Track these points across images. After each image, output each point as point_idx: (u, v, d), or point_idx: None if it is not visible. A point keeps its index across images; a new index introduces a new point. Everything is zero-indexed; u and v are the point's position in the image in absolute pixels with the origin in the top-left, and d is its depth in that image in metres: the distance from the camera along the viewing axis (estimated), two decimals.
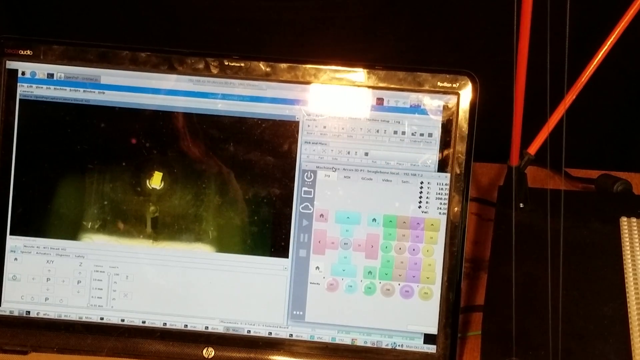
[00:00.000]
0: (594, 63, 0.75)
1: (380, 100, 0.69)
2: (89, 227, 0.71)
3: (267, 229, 0.70)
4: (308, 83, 0.69)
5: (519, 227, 0.76)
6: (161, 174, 0.71)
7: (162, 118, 0.70)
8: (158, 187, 0.71)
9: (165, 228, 0.71)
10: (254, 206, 0.70)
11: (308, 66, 0.69)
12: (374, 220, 0.70)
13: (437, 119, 0.69)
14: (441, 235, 0.70)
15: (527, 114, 0.73)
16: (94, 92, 0.70)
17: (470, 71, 0.68)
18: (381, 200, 0.70)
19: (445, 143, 0.69)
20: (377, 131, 0.69)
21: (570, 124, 0.77)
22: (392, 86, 0.69)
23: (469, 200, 0.70)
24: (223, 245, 0.71)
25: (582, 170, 0.92)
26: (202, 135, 0.70)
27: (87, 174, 0.71)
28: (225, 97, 0.69)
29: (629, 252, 0.75)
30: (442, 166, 0.69)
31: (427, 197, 0.70)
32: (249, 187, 0.70)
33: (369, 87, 0.69)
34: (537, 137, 0.76)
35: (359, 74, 0.69)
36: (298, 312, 0.70)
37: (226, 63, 0.69)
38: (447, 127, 0.69)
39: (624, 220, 0.79)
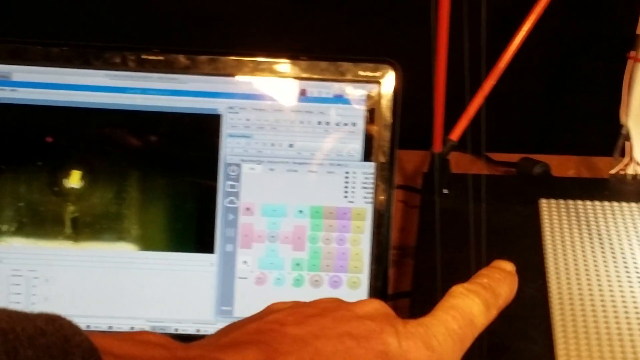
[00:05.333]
0: (512, 48, 0.76)
1: (303, 91, 0.68)
2: (5, 230, 0.69)
3: (192, 225, 0.69)
4: (229, 75, 0.68)
5: (444, 212, 0.77)
6: (80, 172, 0.69)
7: (78, 115, 0.68)
8: (77, 187, 0.69)
9: (86, 228, 0.69)
10: (177, 202, 0.69)
11: (229, 58, 0.68)
12: (301, 212, 0.69)
13: (361, 109, 0.69)
14: (368, 224, 0.70)
15: (449, 100, 0.74)
16: (5, 89, 0.68)
17: (392, 60, 0.68)
18: (307, 191, 0.69)
19: (369, 132, 0.69)
20: (301, 122, 0.69)
21: (491, 109, 0.78)
22: (315, 76, 0.68)
23: (395, 188, 0.71)
24: (147, 243, 0.69)
25: (503, 154, 0.94)
26: (122, 131, 0.68)
27: (0, 175, 0.68)
28: (144, 91, 0.68)
29: (548, 232, 0.76)
30: (367, 155, 0.69)
31: (353, 187, 0.69)
32: (171, 183, 0.69)
33: (292, 77, 0.68)
34: (459, 124, 0.77)
35: (282, 65, 0.68)
36: (226, 308, 0.70)
37: (144, 57, 0.68)
38: (371, 116, 0.68)
39: (543, 202, 0.80)
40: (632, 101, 0.78)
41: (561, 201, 0.80)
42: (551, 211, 0.79)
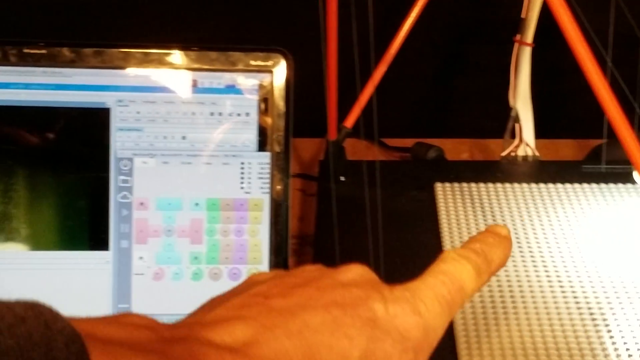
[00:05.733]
0: (402, 34, 0.76)
1: (194, 82, 0.67)
2: None
3: (84, 222, 0.67)
4: (117, 68, 0.66)
5: (341, 199, 0.78)
6: None
7: None
8: None
9: None
10: (68, 199, 0.67)
11: (115, 50, 0.66)
12: (197, 204, 0.68)
13: (253, 98, 0.68)
14: (265, 215, 0.69)
15: (342, 88, 0.74)
16: None
17: (284, 48, 0.68)
18: (202, 184, 0.68)
19: (263, 122, 0.68)
20: (193, 114, 0.68)
21: (384, 95, 0.78)
22: (206, 67, 0.67)
23: (292, 177, 0.70)
24: (38, 243, 0.67)
25: (398, 139, 0.95)
26: (6, 128, 0.66)
27: None
28: (27, 86, 0.66)
29: (444, 216, 0.77)
30: (262, 145, 0.69)
31: (249, 178, 0.69)
32: (61, 180, 0.67)
33: (182, 68, 0.67)
34: (352, 111, 0.77)
35: (171, 56, 0.67)
36: (124, 305, 0.68)
37: (26, 51, 0.65)
38: (264, 106, 0.68)
39: (438, 185, 0.81)
40: (520, 84, 0.80)
41: (456, 184, 0.82)
42: (446, 194, 0.80)
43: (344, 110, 0.79)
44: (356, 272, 0.35)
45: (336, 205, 0.75)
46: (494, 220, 0.77)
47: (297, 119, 0.69)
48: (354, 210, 0.75)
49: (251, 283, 0.35)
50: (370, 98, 0.75)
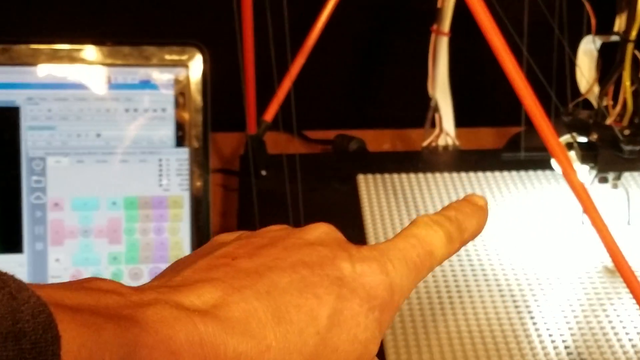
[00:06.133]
0: (319, 25, 0.76)
1: (108, 78, 0.66)
2: None
3: None
4: (26, 65, 0.64)
5: (263, 194, 0.77)
6: None
7: None
8: None
9: None
10: None
11: (25, 46, 0.64)
12: (114, 204, 0.67)
13: (169, 94, 0.67)
14: (186, 212, 0.68)
15: (261, 81, 0.73)
16: None
17: (199, 42, 0.66)
18: (119, 182, 0.67)
19: (180, 117, 0.67)
20: (108, 110, 0.66)
21: (303, 87, 0.78)
22: (119, 62, 0.65)
23: (212, 173, 0.69)
24: None
25: (319, 131, 0.94)
26: None
27: None
28: None
29: (367, 207, 0.77)
30: (180, 141, 0.67)
31: (168, 175, 0.67)
32: None
33: (95, 64, 0.65)
34: (272, 104, 0.76)
35: (83, 52, 0.65)
36: None
37: None
38: (181, 101, 0.67)
39: (360, 177, 0.81)
40: (438, 73, 0.80)
41: (378, 175, 0.82)
42: (368, 186, 0.80)
43: (263, 104, 0.78)
44: (322, 230, 0.35)
45: (258, 200, 0.74)
46: (417, 210, 0.77)
47: (216, 114, 0.67)
48: (276, 205, 0.74)
49: (216, 244, 0.35)
50: (289, 91, 0.74)
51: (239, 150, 0.90)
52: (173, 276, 0.31)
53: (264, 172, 0.80)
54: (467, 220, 0.37)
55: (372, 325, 0.32)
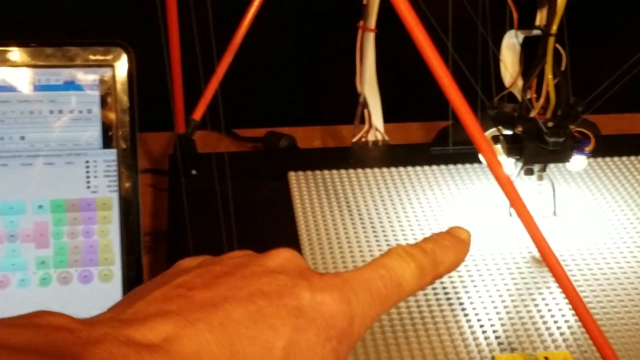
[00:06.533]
0: (245, 23, 0.75)
1: (31, 79, 0.64)
2: None
3: None
4: None
5: (193, 193, 0.76)
6: None
7: None
8: None
9: None
10: None
11: None
12: (41, 207, 0.66)
13: (95, 94, 0.66)
14: (115, 214, 0.67)
15: (189, 79, 0.72)
16: None
17: (123, 42, 0.66)
18: (46, 185, 0.65)
19: (106, 118, 0.66)
20: (32, 112, 0.65)
21: (232, 85, 0.78)
22: (42, 63, 0.64)
23: (141, 173, 0.68)
24: None
25: (249, 129, 0.94)
26: None
27: None
28: None
29: (299, 204, 0.77)
30: (107, 142, 0.66)
31: (95, 176, 0.66)
32: None
33: (18, 65, 0.64)
34: (200, 103, 0.76)
35: (5, 53, 0.64)
36: None
37: None
38: (107, 102, 0.66)
39: (291, 174, 0.81)
40: (366, 69, 0.80)
41: (309, 172, 0.82)
42: (300, 183, 0.80)
43: (193, 103, 0.78)
44: (284, 257, 0.34)
45: (189, 200, 0.73)
46: (348, 206, 0.77)
47: (144, 113, 0.67)
48: (207, 204, 0.73)
49: (176, 272, 0.34)
50: (217, 89, 0.74)
51: (168, 150, 0.90)
52: (126, 308, 0.30)
53: (194, 172, 0.79)
54: (444, 253, 0.37)
55: (329, 356, 0.32)
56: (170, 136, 0.91)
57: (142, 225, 0.68)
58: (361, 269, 0.35)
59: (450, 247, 0.38)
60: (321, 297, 0.32)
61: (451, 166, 0.82)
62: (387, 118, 0.85)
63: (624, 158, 0.84)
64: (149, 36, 0.70)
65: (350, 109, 0.85)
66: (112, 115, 0.66)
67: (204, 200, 0.74)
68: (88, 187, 0.66)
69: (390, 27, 0.78)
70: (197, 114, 0.76)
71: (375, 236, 0.74)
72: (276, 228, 0.75)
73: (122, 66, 0.65)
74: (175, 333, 0.29)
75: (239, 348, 0.30)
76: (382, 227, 0.75)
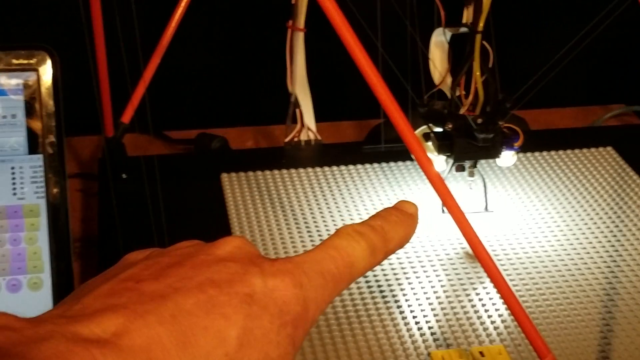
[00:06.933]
0: (173, 24, 0.75)
1: None
2: None
3: None
4: None
5: (124, 198, 0.75)
6: None
7: None
8: None
9: None
10: None
11: None
12: None
13: (19, 99, 0.64)
14: (43, 220, 0.66)
15: (117, 82, 0.71)
16: None
17: (48, 46, 0.64)
18: None
19: (32, 123, 0.64)
20: None
21: (162, 86, 0.77)
22: None
23: (70, 178, 0.67)
24: None
25: (181, 131, 0.93)
26: None
27: None
28: None
29: (232, 206, 0.77)
30: (33, 147, 0.65)
31: (22, 183, 0.65)
32: None
33: None
34: (128, 105, 0.75)
35: None
36: None
37: None
38: (31, 107, 0.64)
39: (224, 176, 0.80)
40: (296, 69, 0.80)
41: (242, 173, 0.81)
42: (233, 185, 0.80)
43: (122, 105, 0.77)
44: (234, 245, 0.34)
45: (119, 204, 0.72)
46: (282, 206, 0.77)
47: (72, 117, 0.65)
48: (138, 208, 0.72)
49: (124, 266, 0.33)
50: (146, 91, 0.73)
51: (97, 154, 0.88)
52: (73, 304, 0.30)
53: (124, 175, 0.78)
54: (394, 229, 0.36)
55: (284, 342, 0.31)
56: (99, 140, 0.89)
57: (72, 231, 0.67)
58: (312, 252, 0.34)
59: (399, 222, 0.37)
60: (273, 283, 0.32)
61: (384, 164, 0.83)
62: (319, 117, 0.85)
63: (553, 152, 0.85)
64: (75, 39, 0.68)
65: (282, 108, 0.85)
66: (37, 120, 0.64)
67: (135, 205, 0.73)
68: (14, 194, 0.65)
69: (319, 26, 0.78)
70: (126, 117, 0.75)
71: (310, 236, 0.74)
72: (210, 231, 0.74)
73: (46, 70, 0.64)
74: (124, 327, 0.28)
75: (191, 339, 0.29)
76: (316, 226, 0.75)
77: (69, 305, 0.30)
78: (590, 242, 0.72)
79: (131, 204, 0.74)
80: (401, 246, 0.37)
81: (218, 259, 0.33)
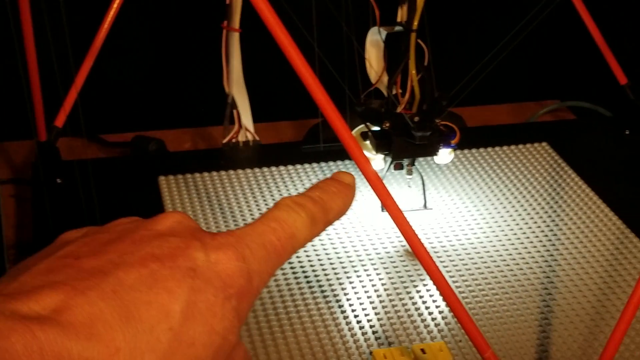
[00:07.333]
0: (106, 25, 0.73)
1: None
2: None
3: None
4: None
5: (59, 203, 0.74)
6: None
7: None
8: None
9: None
10: None
11: None
12: None
13: None
14: None
15: (50, 85, 0.70)
16: None
17: None
18: None
19: None
20: None
21: (97, 89, 0.75)
22: None
23: (3, 184, 0.66)
24: None
25: (117, 134, 0.91)
26: None
27: None
28: None
29: (170, 207, 0.76)
30: None
31: None
32: None
33: None
34: (61, 110, 0.73)
35: None
36: None
37: None
38: None
39: (162, 179, 0.79)
40: (233, 70, 0.80)
41: (180, 176, 0.80)
42: (171, 188, 0.79)
43: (56, 109, 0.75)
44: (175, 219, 0.33)
45: (54, 209, 0.71)
46: (221, 208, 0.76)
47: (4, 122, 0.64)
48: (74, 213, 0.71)
49: (61, 243, 0.32)
50: (79, 94, 0.71)
51: (31, 159, 0.86)
52: (10, 282, 0.29)
53: (59, 180, 0.76)
54: (332, 200, 0.37)
55: (229, 315, 0.31)
56: (32, 145, 0.87)
57: (6, 237, 0.66)
58: (253, 225, 0.34)
59: (337, 192, 0.37)
60: (215, 256, 0.32)
61: (323, 164, 0.83)
62: (257, 118, 0.85)
63: (489, 149, 0.86)
64: (4, 43, 0.67)
65: (219, 110, 0.84)
66: None
67: (70, 210, 0.72)
68: None
69: (255, 26, 0.78)
70: (59, 121, 0.73)
71: None
72: None
73: None
74: (64, 303, 0.28)
75: (134, 313, 0.29)
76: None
77: (4, 285, 0.29)
78: (528, 237, 0.73)
79: (66, 210, 0.73)
80: (340, 215, 0.38)
81: (159, 233, 0.32)
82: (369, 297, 0.66)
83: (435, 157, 0.69)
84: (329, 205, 0.36)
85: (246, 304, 0.32)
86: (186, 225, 0.33)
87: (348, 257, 0.70)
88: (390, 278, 0.68)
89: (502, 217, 0.76)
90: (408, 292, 0.67)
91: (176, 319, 0.30)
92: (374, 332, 0.62)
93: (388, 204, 0.54)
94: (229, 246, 0.32)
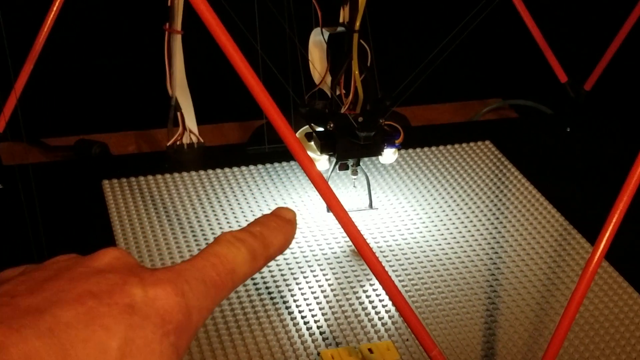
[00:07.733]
0: (45, 28, 0.72)
1: None
2: None
3: None
4: None
5: (1, 208, 0.73)
6: None
7: None
8: None
9: None
10: None
11: None
12: None
13: None
14: None
15: None
16: None
17: None
18: None
19: None
20: None
21: (37, 93, 0.74)
22: None
23: None
24: None
25: (59, 138, 0.90)
26: None
27: None
28: None
29: (115, 213, 0.75)
30: None
31: None
32: None
33: None
34: (2, 114, 0.72)
35: None
36: None
37: None
38: None
39: (105, 182, 0.79)
40: (175, 72, 0.79)
41: (124, 179, 0.79)
42: (115, 191, 0.78)
43: None
44: (112, 256, 0.33)
45: None
46: (166, 211, 0.76)
47: None
48: (16, 219, 0.70)
49: None
50: (18, 98, 0.70)
51: None
52: None
53: (0, 186, 0.75)
54: (273, 235, 0.37)
55: (167, 351, 0.31)
56: None
57: None
58: (192, 260, 0.34)
59: (278, 228, 0.38)
60: (154, 292, 0.31)
61: (268, 165, 0.82)
62: (202, 120, 0.84)
63: (433, 148, 0.87)
64: None
65: (163, 112, 0.84)
66: None
67: (12, 216, 0.71)
68: None
69: (198, 27, 0.77)
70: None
71: (196, 240, 0.73)
72: (92, 240, 0.72)
73: None
74: None
75: (70, 352, 0.29)
76: (202, 230, 0.74)
77: None
78: (472, 235, 0.74)
79: (8, 216, 0.71)
80: (281, 251, 0.38)
81: (96, 270, 0.32)
82: (315, 297, 0.66)
83: (379, 157, 0.69)
84: (269, 240, 0.37)
85: (185, 339, 0.32)
86: (124, 262, 0.33)
87: (294, 257, 0.70)
88: (337, 278, 0.68)
89: (446, 215, 0.77)
90: (355, 292, 0.67)
91: (113, 356, 0.30)
92: (321, 333, 0.63)
93: (333, 204, 0.54)
94: (168, 282, 0.32)
